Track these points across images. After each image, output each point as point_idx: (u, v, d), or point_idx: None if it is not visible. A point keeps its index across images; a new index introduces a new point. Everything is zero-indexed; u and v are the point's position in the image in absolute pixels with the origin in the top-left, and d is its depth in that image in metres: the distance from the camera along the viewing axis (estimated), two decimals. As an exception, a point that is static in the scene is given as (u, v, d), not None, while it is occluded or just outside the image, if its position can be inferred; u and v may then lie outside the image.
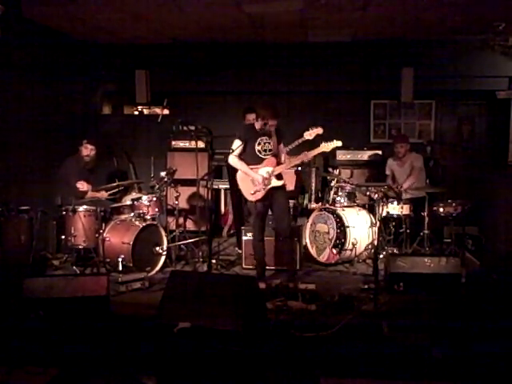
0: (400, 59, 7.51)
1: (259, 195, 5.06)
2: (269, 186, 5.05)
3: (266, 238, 5.41)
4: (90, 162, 6.14)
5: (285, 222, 5.15)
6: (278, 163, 5.14)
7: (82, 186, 5.93)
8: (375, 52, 7.59)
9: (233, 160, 5.14)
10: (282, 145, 5.24)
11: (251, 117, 6.48)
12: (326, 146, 5.19)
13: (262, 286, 4.56)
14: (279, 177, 5.12)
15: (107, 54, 7.89)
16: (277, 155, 5.17)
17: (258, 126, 5.08)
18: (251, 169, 5.07)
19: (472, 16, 6.11)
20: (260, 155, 5.08)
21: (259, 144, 5.08)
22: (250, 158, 5.09)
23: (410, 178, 6.38)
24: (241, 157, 5.12)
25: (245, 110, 6.56)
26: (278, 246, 5.45)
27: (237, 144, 5.08)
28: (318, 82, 7.83)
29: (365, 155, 7.43)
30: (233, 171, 6.18)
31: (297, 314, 4.20)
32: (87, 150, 6.09)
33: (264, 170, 5.07)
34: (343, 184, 6.25)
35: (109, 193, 6.08)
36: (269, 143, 5.10)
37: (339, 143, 5.29)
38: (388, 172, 6.70)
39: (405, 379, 3.38)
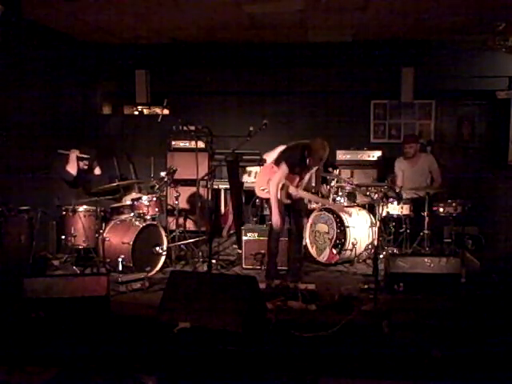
0: (400, 59, 7.52)
1: (266, 195, 5.18)
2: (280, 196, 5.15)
3: (266, 238, 5.40)
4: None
5: (302, 218, 5.37)
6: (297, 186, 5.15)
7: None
8: (375, 52, 7.59)
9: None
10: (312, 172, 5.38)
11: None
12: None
13: (262, 286, 4.56)
14: (289, 197, 5.15)
15: (107, 54, 7.90)
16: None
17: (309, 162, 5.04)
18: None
19: (472, 16, 6.11)
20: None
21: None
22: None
23: (436, 183, 6.42)
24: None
25: None
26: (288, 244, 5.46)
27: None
28: (318, 82, 7.84)
29: (365, 155, 7.43)
30: (233, 171, 6.21)
31: (297, 314, 4.21)
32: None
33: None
34: (343, 184, 6.25)
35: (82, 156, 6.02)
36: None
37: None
38: (398, 172, 6.65)
39: (405, 379, 3.38)
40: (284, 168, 5.01)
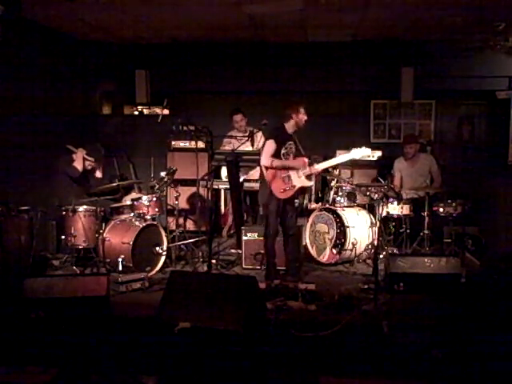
0: (400, 59, 7.52)
1: (289, 193, 5.08)
2: (299, 185, 5.10)
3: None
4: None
5: (293, 218, 5.27)
6: (310, 164, 5.13)
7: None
8: (375, 52, 7.59)
9: (267, 161, 5.05)
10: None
11: (238, 118, 6.56)
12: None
13: (262, 286, 4.56)
14: (310, 177, 5.18)
15: (107, 54, 7.90)
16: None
17: (290, 128, 5.09)
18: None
19: (472, 16, 6.11)
20: (283, 158, 5.10)
21: (286, 148, 5.09)
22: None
23: (435, 183, 6.42)
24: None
25: (231, 111, 6.64)
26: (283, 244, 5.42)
27: (269, 145, 5.05)
28: (318, 82, 7.84)
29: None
30: (233, 171, 6.20)
31: (297, 314, 4.21)
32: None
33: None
34: (343, 184, 6.25)
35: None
36: (291, 147, 5.14)
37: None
38: (396, 174, 6.65)
39: (405, 379, 3.38)
40: (268, 142, 5.03)
